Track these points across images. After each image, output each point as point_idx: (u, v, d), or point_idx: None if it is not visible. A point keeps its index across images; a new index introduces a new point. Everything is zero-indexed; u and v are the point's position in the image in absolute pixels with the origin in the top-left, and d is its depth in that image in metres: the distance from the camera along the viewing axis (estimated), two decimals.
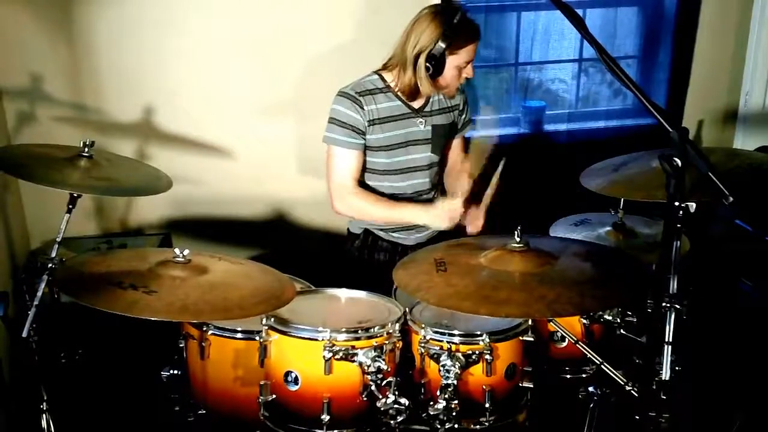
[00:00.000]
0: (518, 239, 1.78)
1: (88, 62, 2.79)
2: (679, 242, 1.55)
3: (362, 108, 2.35)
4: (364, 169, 2.45)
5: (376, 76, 2.41)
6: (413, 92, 2.37)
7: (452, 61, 2.30)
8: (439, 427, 1.75)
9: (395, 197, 2.47)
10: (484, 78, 3.32)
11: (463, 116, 2.59)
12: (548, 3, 1.57)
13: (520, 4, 3.27)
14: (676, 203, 1.45)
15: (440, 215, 2.32)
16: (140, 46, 2.81)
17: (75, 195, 2.07)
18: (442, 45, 2.25)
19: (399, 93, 2.40)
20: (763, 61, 3.38)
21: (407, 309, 1.93)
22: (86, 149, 2.16)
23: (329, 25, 2.95)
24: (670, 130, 1.40)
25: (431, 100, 2.46)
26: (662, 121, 1.42)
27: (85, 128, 2.83)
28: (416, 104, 2.43)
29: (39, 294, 2.00)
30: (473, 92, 3.18)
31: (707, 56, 3.40)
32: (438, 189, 2.60)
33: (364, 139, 2.38)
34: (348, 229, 2.64)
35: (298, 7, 2.90)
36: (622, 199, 2.28)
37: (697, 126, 3.49)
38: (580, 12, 1.76)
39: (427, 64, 2.27)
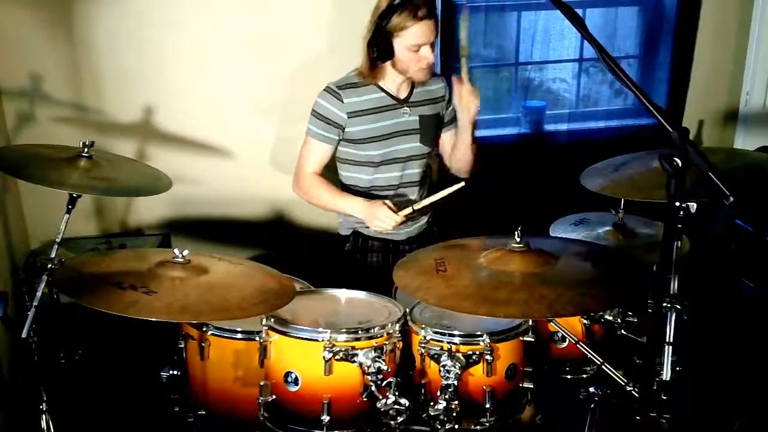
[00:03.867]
0: (518, 239, 1.78)
1: (87, 62, 2.79)
2: (679, 242, 1.55)
3: (341, 101, 2.38)
4: (353, 162, 2.47)
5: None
6: (365, 74, 2.37)
7: (400, 43, 2.29)
8: (439, 427, 1.75)
9: (386, 189, 2.49)
10: (484, 78, 3.32)
11: (450, 108, 2.56)
12: (548, 3, 1.57)
13: (521, 4, 3.26)
14: (677, 203, 1.45)
15: (373, 217, 2.32)
16: (140, 46, 2.81)
17: (74, 195, 2.07)
18: (381, 25, 2.26)
19: (381, 84, 2.41)
20: (764, 61, 3.38)
21: (407, 309, 1.93)
22: (86, 149, 2.15)
23: (329, 25, 2.95)
24: (671, 130, 1.39)
25: (415, 90, 2.46)
26: (662, 121, 1.42)
27: (85, 128, 2.83)
28: (401, 94, 2.44)
29: (38, 294, 2.00)
30: None
31: (708, 56, 3.39)
32: (428, 180, 2.59)
33: (341, 134, 2.42)
34: (338, 232, 2.64)
35: (298, 6, 2.90)
36: (623, 199, 2.28)
37: (697, 126, 3.49)
38: (580, 12, 1.76)
39: (370, 48, 2.29)
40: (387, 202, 2.33)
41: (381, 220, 2.30)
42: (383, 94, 2.42)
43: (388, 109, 2.43)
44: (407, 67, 2.34)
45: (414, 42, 2.28)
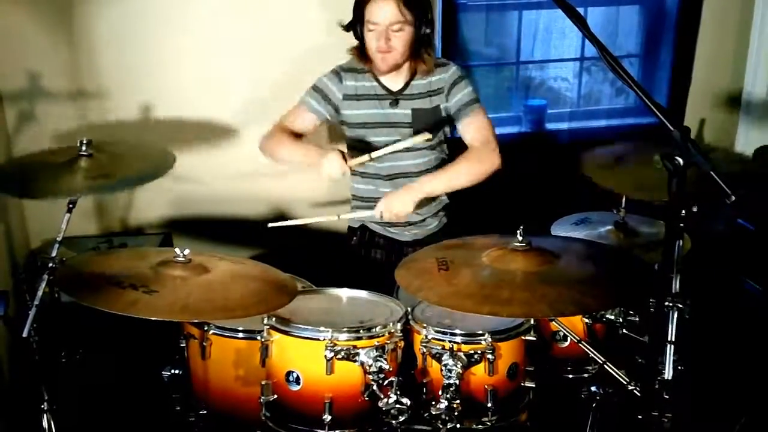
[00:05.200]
0: (520, 238, 1.78)
1: (88, 60, 2.79)
2: (681, 241, 1.55)
3: (341, 82, 2.43)
4: (359, 149, 2.46)
5: None
6: (356, 54, 2.40)
7: (366, 18, 2.28)
8: (441, 427, 1.75)
9: (395, 177, 2.47)
10: (485, 76, 3.32)
11: (454, 98, 2.43)
12: (550, 1, 1.57)
13: (522, 3, 3.26)
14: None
15: (323, 159, 2.30)
16: (140, 45, 2.81)
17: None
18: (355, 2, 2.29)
19: (376, 74, 2.42)
20: (765, 60, 3.37)
21: (409, 308, 1.93)
22: (84, 148, 2.12)
23: (331, 22, 2.94)
24: (672, 129, 1.39)
25: (413, 83, 2.44)
26: (664, 120, 1.41)
27: (85, 127, 2.82)
28: (394, 86, 2.43)
29: (39, 294, 1.99)
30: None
31: (709, 55, 3.39)
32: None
33: (332, 112, 2.45)
34: (348, 225, 2.64)
35: (300, 3, 2.89)
36: (624, 198, 2.28)
37: (699, 125, 3.48)
38: (581, 10, 1.76)
39: (346, 29, 2.33)
40: (341, 148, 2.34)
41: (329, 164, 2.28)
42: (376, 83, 2.43)
43: (378, 98, 2.43)
44: (371, 52, 2.34)
45: (368, 18, 2.27)
